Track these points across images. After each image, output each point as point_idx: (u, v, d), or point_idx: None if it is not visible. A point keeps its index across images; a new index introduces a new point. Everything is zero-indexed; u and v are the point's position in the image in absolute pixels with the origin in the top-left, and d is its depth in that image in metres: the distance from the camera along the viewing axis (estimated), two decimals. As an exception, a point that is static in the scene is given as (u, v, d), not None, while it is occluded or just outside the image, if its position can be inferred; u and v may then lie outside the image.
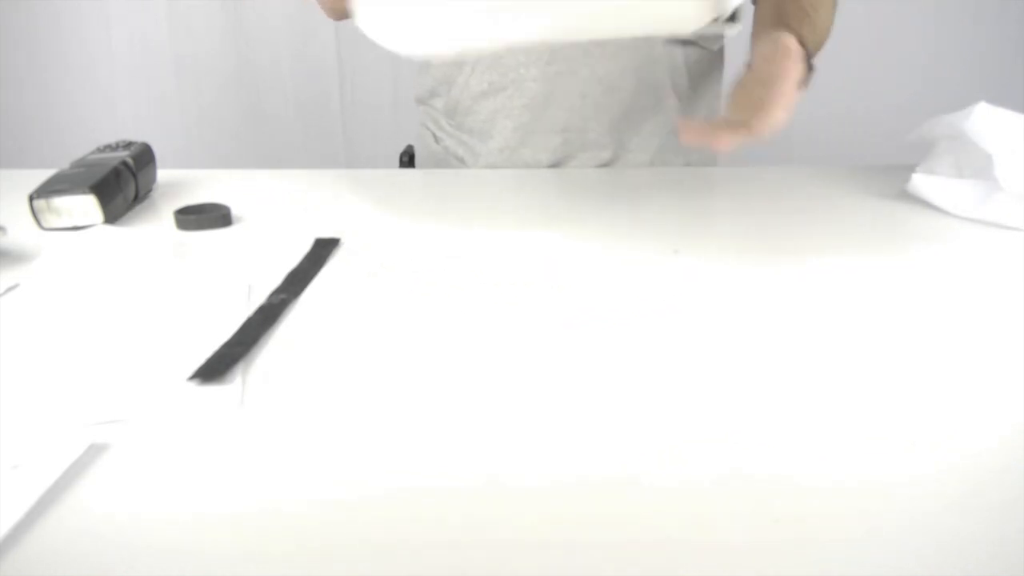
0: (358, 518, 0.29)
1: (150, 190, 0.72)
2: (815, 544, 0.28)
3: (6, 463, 0.32)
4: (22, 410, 0.36)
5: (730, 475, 0.32)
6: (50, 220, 0.61)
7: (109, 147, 0.70)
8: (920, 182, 0.66)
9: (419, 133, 0.96)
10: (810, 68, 0.59)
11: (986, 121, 0.63)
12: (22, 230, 0.59)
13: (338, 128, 1.74)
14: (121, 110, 1.73)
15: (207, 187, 0.73)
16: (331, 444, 0.34)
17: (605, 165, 0.82)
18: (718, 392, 0.38)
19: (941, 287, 0.51)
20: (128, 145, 0.70)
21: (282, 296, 0.48)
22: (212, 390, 0.38)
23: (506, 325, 0.45)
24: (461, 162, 0.89)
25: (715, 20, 0.51)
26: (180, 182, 0.75)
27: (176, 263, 0.55)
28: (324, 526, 0.29)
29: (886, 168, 0.75)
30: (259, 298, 0.48)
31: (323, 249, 0.56)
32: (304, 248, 0.56)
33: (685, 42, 0.80)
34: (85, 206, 0.61)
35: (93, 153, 0.69)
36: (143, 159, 0.69)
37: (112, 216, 0.63)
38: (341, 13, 0.84)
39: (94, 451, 0.33)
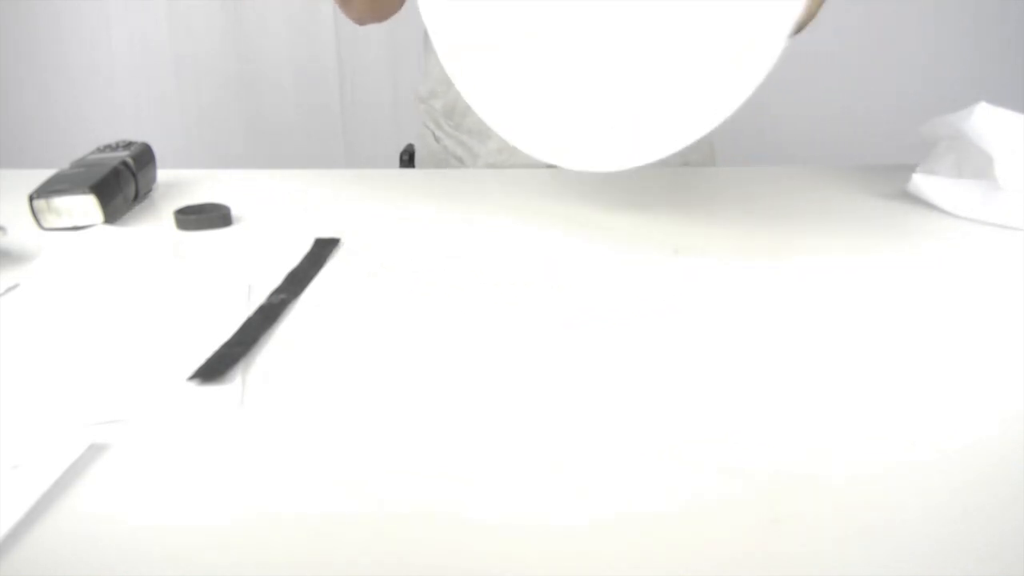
0: (358, 519, 0.29)
1: (150, 190, 0.72)
2: (815, 544, 0.28)
3: (6, 463, 0.32)
4: (22, 410, 0.36)
5: (730, 475, 0.32)
6: (50, 220, 0.61)
7: (109, 147, 0.70)
8: (920, 182, 0.66)
9: (420, 132, 0.96)
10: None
11: (986, 121, 0.63)
12: (22, 230, 0.59)
13: (338, 128, 1.74)
14: (121, 110, 1.73)
15: (207, 187, 0.73)
16: (331, 444, 0.34)
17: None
18: (718, 392, 0.38)
19: (941, 287, 0.51)
20: (128, 145, 0.70)
21: (282, 296, 0.48)
22: (212, 390, 0.38)
23: (506, 325, 0.45)
24: (460, 162, 0.89)
25: None
26: (180, 182, 0.75)
27: (176, 263, 0.55)
28: (324, 527, 0.29)
29: (886, 168, 0.75)
30: (259, 298, 0.48)
31: (323, 249, 0.56)
32: (304, 248, 0.56)
33: None
34: (85, 206, 0.61)
35: (93, 153, 0.69)
36: (143, 159, 0.69)
37: (112, 216, 0.63)
38: (371, 17, 0.84)
39: (94, 451, 0.33)
